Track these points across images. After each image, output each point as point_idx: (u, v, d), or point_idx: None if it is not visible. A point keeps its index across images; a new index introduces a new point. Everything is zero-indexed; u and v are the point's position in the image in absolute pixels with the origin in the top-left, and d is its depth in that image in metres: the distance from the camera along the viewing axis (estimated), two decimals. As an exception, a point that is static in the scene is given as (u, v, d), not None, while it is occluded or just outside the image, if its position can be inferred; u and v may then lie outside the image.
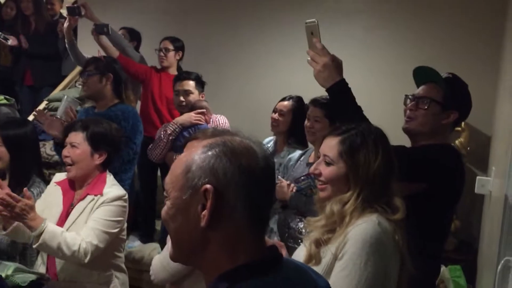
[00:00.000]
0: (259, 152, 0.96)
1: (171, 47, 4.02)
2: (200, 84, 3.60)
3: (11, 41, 5.17)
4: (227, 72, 4.64)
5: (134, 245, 3.85)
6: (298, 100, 3.12)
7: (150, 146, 3.50)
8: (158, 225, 4.08)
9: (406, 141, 1.98)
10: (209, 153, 0.93)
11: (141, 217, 4.06)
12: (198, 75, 3.61)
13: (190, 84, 3.54)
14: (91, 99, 3.31)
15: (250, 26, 4.68)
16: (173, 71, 4.05)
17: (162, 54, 4.02)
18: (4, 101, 3.60)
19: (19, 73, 5.44)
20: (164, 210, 0.97)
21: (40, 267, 2.33)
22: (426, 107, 1.90)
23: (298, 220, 2.41)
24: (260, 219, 0.97)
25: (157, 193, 4.11)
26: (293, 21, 4.23)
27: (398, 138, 1.80)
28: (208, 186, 0.91)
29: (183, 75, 3.62)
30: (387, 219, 1.49)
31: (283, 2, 4.54)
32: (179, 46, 4.06)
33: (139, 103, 4.25)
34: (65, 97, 3.20)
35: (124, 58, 3.83)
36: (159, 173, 4.05)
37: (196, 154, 0.94)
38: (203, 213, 0.92)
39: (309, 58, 1.84)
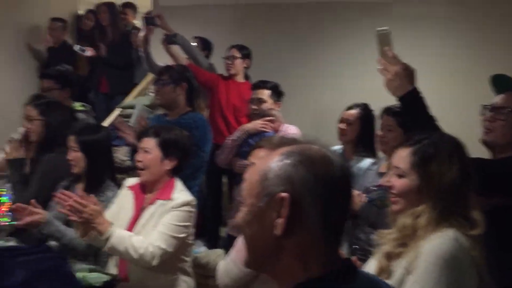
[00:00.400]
0: (335, 161, 0.95)
1: (238, 54, 4.05)
2: (276, 93, 3.56)
3: (89, 52, 5.40)
4: (293, 81, 4.63)
5: (200, 250, 3.91)
6: (365, 107, 3.06)
7: (217, 151, 3.55)
8: (223, 232, 4.13)
9: (482, 152, 1.89)
10: (286, 161, 0.93)
11: (207, 223, 4.12)
12: (276, 84, 3.57)
13: (264, 93, 3.52)
14: (164, 108, 3.35)
15: (318, 35, 4.66)
16: (240, 79, 4.09)
17: (229, 61, 4.06)
18: (81, 108, 3.77)
19: (95, 81, 5.67)
20: (239, 216, 0.98)
21: (112, 269, 2.40)
22: (504, 117, 1.81)
23: (368, 231, 2.36)
24: (335, 229, 0.96)
25: (223, 199, 4.16)
26: (362, 28, 4.18)
27: (475, 149, 1.72)
28: (284, 194, 0.91)
29: (258, 84, 3.61)
30: (465, 234, 1.43)
31: (352, 9, 4.48)
32: (246, 54, 4.09)
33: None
34: (137, 106, 3.28)
35: (194, 67, 3.87)
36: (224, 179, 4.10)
37: (273, 162, 0.94)
38: (278, 221, 0.92)
39: (380, 67, 1.80)
